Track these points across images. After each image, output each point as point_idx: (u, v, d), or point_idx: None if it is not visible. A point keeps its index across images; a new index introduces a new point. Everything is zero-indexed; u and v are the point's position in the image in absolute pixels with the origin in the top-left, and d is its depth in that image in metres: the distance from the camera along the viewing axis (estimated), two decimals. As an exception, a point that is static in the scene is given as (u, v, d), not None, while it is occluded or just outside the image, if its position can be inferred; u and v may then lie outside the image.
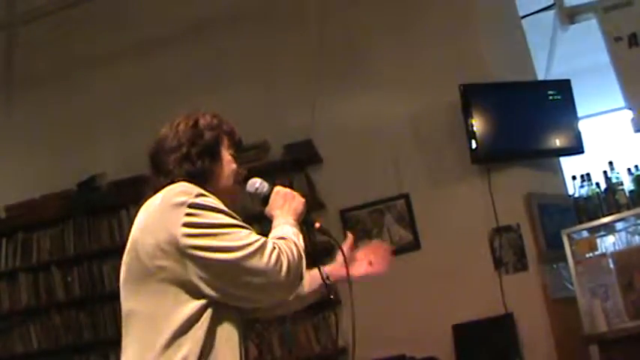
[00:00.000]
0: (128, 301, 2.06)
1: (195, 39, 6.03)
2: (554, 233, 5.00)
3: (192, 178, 2.13)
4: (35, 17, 6.26)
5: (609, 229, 4.83)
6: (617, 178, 4.95)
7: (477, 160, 5.26)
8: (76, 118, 6.23)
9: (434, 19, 5.66)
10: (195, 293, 1.97)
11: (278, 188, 2.35)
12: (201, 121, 2.28)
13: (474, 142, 5.22)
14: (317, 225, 2.39)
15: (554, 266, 5.13)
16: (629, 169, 5.00)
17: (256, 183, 2.38)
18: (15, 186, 6.26)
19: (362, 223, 5.57)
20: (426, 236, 5.44)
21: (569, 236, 4.84)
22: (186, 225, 1.96)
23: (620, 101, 5.73)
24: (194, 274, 1.96)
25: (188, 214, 1.97)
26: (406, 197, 5.52)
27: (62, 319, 5.81)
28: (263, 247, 1.98)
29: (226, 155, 2.28)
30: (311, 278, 2.50)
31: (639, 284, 4.49)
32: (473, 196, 5.32)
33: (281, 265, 1.98)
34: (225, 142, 2.30)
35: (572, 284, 4.81)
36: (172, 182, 2.10)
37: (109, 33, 6.18)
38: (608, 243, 4.81)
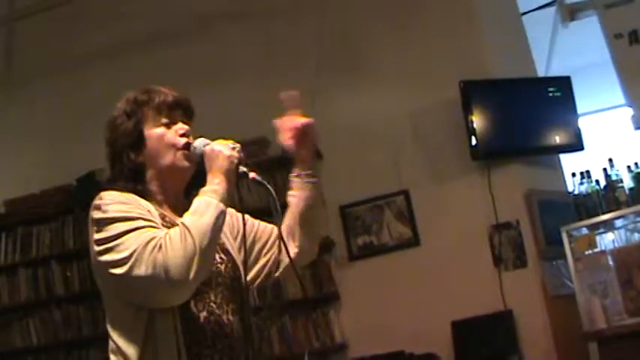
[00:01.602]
0: None
1: (194, 34, 6.03)
2: (553, 230, 4.99)
3: (126, 179, 2.04)
4: (34, 12, 6.25)
5: (609, 226, 4.82)
6: (617, 175, 4.96)
7: (476, 156, 5.25)
8: (76, 113, 6.22)
9: (434, 15, 5.65)
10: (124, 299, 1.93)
11: (207, 148, 2.05)
12: (122, 110, 2.12)
13: (473, 138, 5.21)
14: (252, 176, 2.06)
15: (554, 263, 5.13)
16: (628, 167, 5.00)
17: (194, 145, 2.09)
18: (14, 181, 6.26)
19: (362, 219, 5.58)
20: (426, 233, 5.44)
21: (568, 233, 4.83)
22: (95, 242, 1.90)
23: (621, 98, 5.73)
24: (111, 286, 1.94)
25: (96, 231, 1.91)
26: (406, 193, 5.51)
27: (62, 313, 5.82)
28: (143, 252, 1.81)
29: (154, 132, 2.07)
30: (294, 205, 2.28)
31: (638, 281, 4.49)
32: (472, 193, 5.31)
33: (159, 270, 1.80)
34: (149, 116, 2.09)
35: (571, 281, 4.81)
36: (100, 191, 2.01)
37: (108, 28, 6.17)
38: (607, 240, 4.81)
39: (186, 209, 1.95)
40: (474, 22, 5.60)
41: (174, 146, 2.06)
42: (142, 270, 1.80)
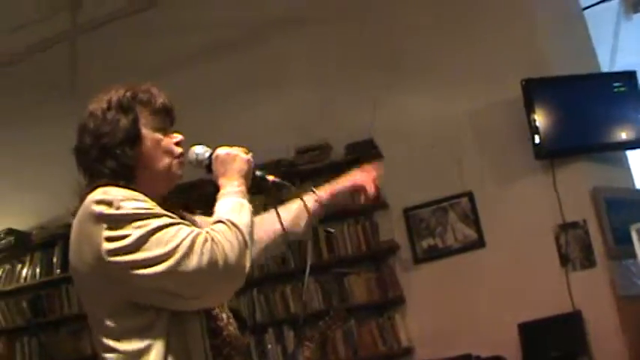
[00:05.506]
0: None
1: (256, 42, 6.06)
2: (622, 228, 4.92)
3: (117, 176, 1.89)
4: (98, 25, 6.35)
5: (680, 223, 4.72)
6: (687, 170, 4.84)
7: (540, 155, 5.19)
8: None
9: (493, 13, 5.61)
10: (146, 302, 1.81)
11: (217, 153, 2.06)
12: (114, 103, 1.97)
13: (537, 137, 5.16)
14: (270, 178, 2.11)
15: (623, 262, 5.03)
16: (699, 161, 4.89)
17: (194, 152, 2.11)
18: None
19: (425, 222, 5.55)
20: (491, 234, 5.39)
21: (638, 231, 4.74)
22: (108, 240, 1.75)
23: (689, 92, 5.60)
24: (129, 292, 1.79)
25: (109, 228, 1.76)
26: (470, 195, 5.48)
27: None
28: (192, 245, 1.73)
29: (150, 134, 1.98)
30: (294, 215, 2.33)
31: None
32: (537, 192, 5.26)
33: (216, 260, 1.74)
34: (145, 116, 1.99)
35: (642, 281, 4.73)
36: (96, 186, 1.85)
37: (170, 39, 6.23)
38: (679, 238, 4.70)
39: None
40: (534, 19, 5.54)
41: (170, 153, 2.01)
42: (193, 262, 1.72)
